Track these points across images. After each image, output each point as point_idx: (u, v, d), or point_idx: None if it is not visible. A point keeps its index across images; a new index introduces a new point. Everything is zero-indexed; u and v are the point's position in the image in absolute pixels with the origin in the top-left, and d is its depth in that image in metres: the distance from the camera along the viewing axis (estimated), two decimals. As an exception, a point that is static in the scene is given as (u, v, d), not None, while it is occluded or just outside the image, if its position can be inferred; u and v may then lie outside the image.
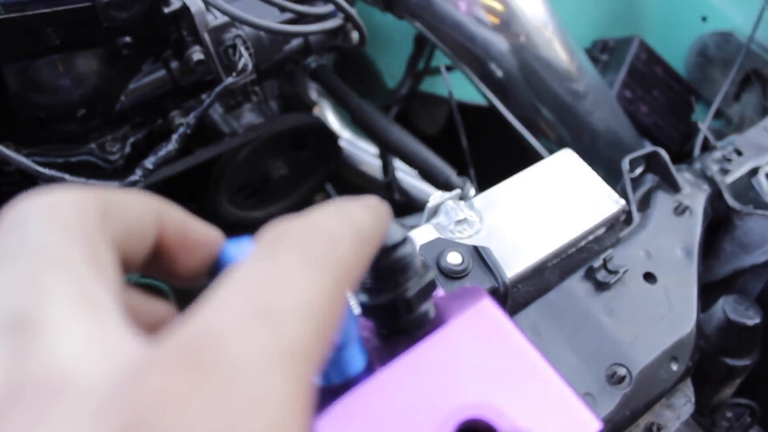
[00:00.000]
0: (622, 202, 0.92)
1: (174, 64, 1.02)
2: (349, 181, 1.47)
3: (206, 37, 0.97)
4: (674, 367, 0.86)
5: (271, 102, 1.20)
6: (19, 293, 0.24)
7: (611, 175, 1.00)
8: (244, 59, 0.94)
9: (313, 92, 1.36)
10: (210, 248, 0.35)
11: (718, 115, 1.44)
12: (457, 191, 0.86)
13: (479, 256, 0.80)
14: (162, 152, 0.93)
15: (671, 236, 0.96)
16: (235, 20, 0.91)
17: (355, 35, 1.15)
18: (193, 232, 0.35)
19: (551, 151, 1.33)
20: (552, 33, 1.22)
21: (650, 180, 1.05)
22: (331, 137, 1.25)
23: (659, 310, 0.88)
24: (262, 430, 0.22)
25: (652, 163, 1.02)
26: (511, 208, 0.88)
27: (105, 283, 0.26)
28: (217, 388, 0.22)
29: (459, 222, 0.85)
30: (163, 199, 0.34)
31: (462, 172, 1.18)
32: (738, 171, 1.06)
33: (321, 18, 1.02)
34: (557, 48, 1.23)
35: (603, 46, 1.47)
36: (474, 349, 0.40)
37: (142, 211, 0.32)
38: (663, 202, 1.00)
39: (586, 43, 1.51)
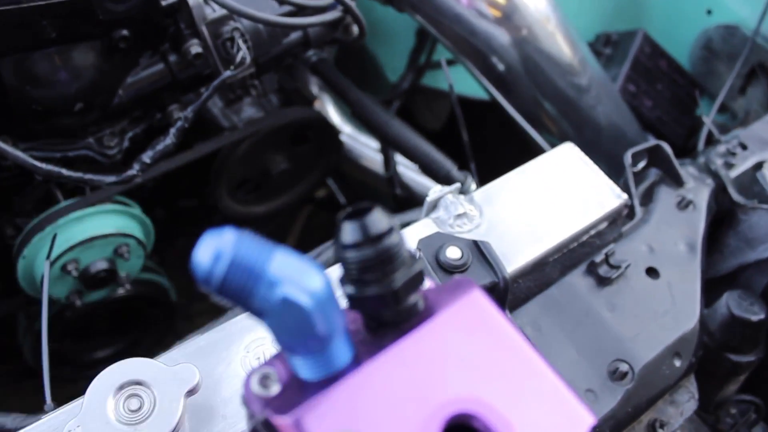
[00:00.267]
0: (625, 196, 0.91)
1: (172, 58, 1.01)
2: (350, 176, 1.46)
3: (204, 30, 0.96)
4: (677, 363, 0.84)
5: (271, 96, 1.19)
6: None
7: (614, 170, 0.99)
8: (242, 52, 0.93)
9: (314, 86, 1.35)
10: None
11: (723, 109, 1.42)
12: (457, 185, 0.85)
13: (479, 250, 0.79)
14: (160, 146, 0.92)
15: (674, 231, 0.95)
16: (233, 13, 0.90)
17: (355, 28, 1.14)
18: None
19: (553, 146, 1.32)
20: (554, 26, 1.20)
21: (653, 174, 1.04)
22: (332, 132, 1.24)
23: (662, 305, 0.87)
24: None
25: (655, 157, 1.00)
26: (512, 202, 0.87)
27: None
28: None
29: (459, 216, 0.84)
30: None
31: (463, 166, 1.17)
32: (743, 165, 1.05)
33: (320, 11, 1.01)
34: (560, 41, 1.21)
35: (606, 40, 1.46)
36: (463, 341, 0.39)
37: None
38: (666, 196, 0.99)
39: (589, 37, 1.50)
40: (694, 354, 0.86)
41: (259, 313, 0.35)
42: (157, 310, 1.33)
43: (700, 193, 1.00)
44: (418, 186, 1.36)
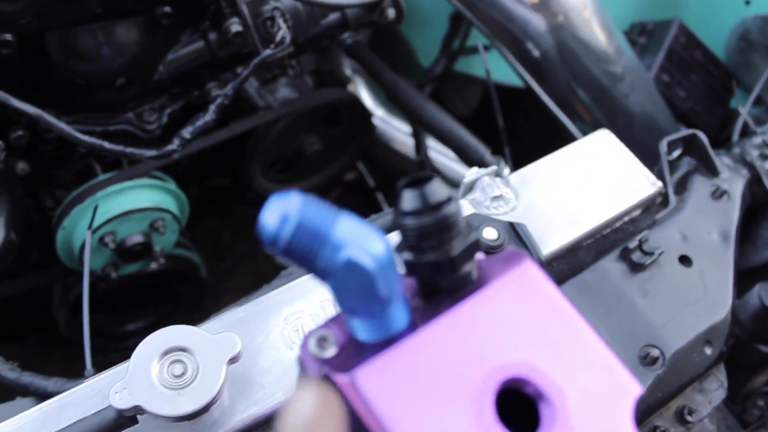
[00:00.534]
0: (659, 184, 0.91)
1: (212, 36, 1.02)
2: (380, 159, 1.47)
3: (244, 8, 0.97)
4: (708, 351, 0.85)
5: (306, 77, 1.20)
6: None
7: (646, 160, 0.99)
8: (282, 32, 0.94)
9: (348, 68, 1.36)
10: None
11: (758, 102, 1.41)
12: (494, 167, 0.86)
13: (515, 232, 0.80)
14: (199, 122, 0.93)
15: (708, 220, 0.95)
16: (274, -9, 0.91)
17: (391, 12, 1.15)
18: None
19: (585, 134, 1.32)
20: (591, 13, 1.20)
21: (687, 163, 1.03)
22: (365, 114, 1.25)
23: (694, 293, 0.87)
24: None
25: (690, 146, 1.00)
26: (548, 187, 0.88)
27: None
28: None
29: (495, 198, 0.84)
30: None
31: (495, 152, 1.17)
32: (778, 157, 1.04)
33: (360, -8, 1.02)
34: (596, 28, 1.21)
35: (641, 29, 1.45)
36: (516, 310, 0.40)
37: None
38: (700, 185, 0.99)
39: (624, 26, 1.49)
40: (725, 343, 0.86)
41: (323, 274, 0.37)
42: (187, 286, 1.35)
43: (735, 184, 1.00)
44: (449, 170, 1.37)
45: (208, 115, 0.94)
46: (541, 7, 1.15)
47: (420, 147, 1.33)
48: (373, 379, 0.36)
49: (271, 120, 1.11)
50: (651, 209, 0.92)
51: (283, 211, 0.35)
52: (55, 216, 1.07)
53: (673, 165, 1.02)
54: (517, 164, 1.15)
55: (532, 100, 1.35)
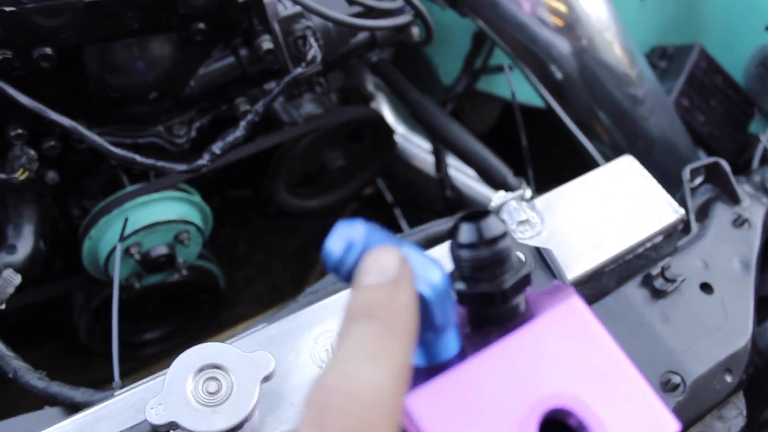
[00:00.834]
0: (682, 211, 0.92)
1: (243, 52, 1.04)
2: (400, 175, 1.48)
3: (276, 26, 0.99)
4: (728, 378, 0.86)
5: (331, 93, 1.21)
6: None
7: (664, 183, 1.00)
8: (314, 50, 0.96)
9: (370, 84, 1.38)
10: None
11: (777, 128, 1.42)
12: (520, 192, 0.87)
13: (541, 257, 0.81)
14: (230, 138, 0.95)
15: (729, 248, 0.96)
16: (310, 11, 0.93)
17: (415, 31, 1.16)
18: None
19: (604, 155, 1.33)
20: (613, 35, 1.21)
21: (707, 190, 1.04)
22: (388, 131, 1.26)
23: (715, 320, 0.88)
24: None
25: (712, 173, 1.01)
26: (572, 211, 0.89)
27: None
28: None
29: (521, 222, 0.85)
30: None
31: (515, 172, 1.18)
32: (799, 186, 1.05)
33: (388, 13, 1.03)
34: (618, 51, 1.22)
35: (662, 53, 1.46)
36: (563, 343, 0.41)
37: None
38: (722, 213, 1.00)
39: (645, 50, 1.50)
40: (744, 371, 0.87)
41: None
42: (206, 297, 1.36)
43: (756, 212, 1.01)
44: (468, 189, 1.38)
45: (239, 131, 0.95)
46: (566, 30, 1.16)
47: (440, 165, 1.34)
48: (425, 404, 0.38)
49: (297, 135, 1.13)
50: (673, 236, 0.93)
51: (348, 238, 0.37)
52: (82, 225, 1.08)
53: (694, 192, 1.03)
54: (536, 183, 1.17)
55: (548, 121, 1.36)
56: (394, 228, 1.44)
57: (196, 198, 1.12)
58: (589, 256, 0.87)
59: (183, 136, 1.06)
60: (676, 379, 0.83)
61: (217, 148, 0.95)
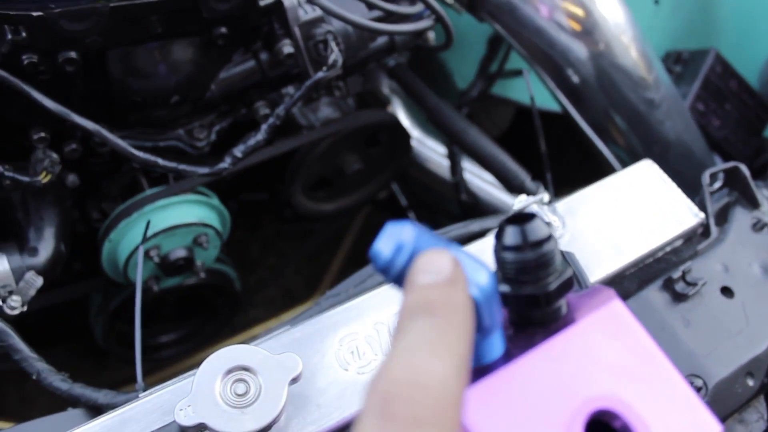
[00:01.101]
0: (702, 215, 0.92)
1: (263, 56, 1.04)
2: (415, 179, 1.49)
3: (297, 31, 0.99)
4: (750, 382, 0.86)
5: (349, 98, 1.22)
6: None
7: (680, 187, 1.00)
8: (335, 54, 0.96)
9: (386, 88, 1.38)
10: None
11: (792, 132, 1.42)
12: (541, 196, 0.87)
13: (564, 260, 0.81)
14: (251, 142, 0.95)
15: (749, 252, 0.96)
16: (332, 15, 0.93)
17: (431, 35, 1.17)
18: None
19: (620, 159, 1.33)
20: (630, 39, 1.22)
21: (725, 194, 1.05)
22: (405, 135, 1.26)
23: (736, 324, 0.88)
24: None
25: (731, 178, 1.01)
26: (593, 215, 0.89)
27: None
28: None
29: (543, 225, 0.86)
30: None
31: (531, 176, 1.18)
32: (819, 190, 1.05)
33: (408, 17, 1.04)
34: (635, 55, 1.23)
35: (677, 58, 1.46)
36: (606, 346, 0.41)
37: None
38: (741, 217, 1.00)
39: (659, 54, 1.50)
40: (766, 374, 0.87)
41: None
42: (221, 300, 1.36)
43: (775, 216, 1.01)
44: (483, 193, 1.38)
45: (260, 135, 0.95)
46: (584, 35, 1.17)
47: (455, 168, 1.34)
48: (473, 405, 0.38)
49: (316, 139, 1.13)
50: (693, 240, 0.94)
51: (398, 241, 0.37)
52: (101, 228, 1.08)
53: (712, 196, 1.03)
54: (547, 188, 1.17)
55: (560, 125, 1.37)
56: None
57: (215, 201, 1.12)
58: (610, 260, 0.87)
59: (203, 140, 1.06)
60: (698, 383, 0.83)
61: (238, 151, 0.95)
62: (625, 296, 0.88)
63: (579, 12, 1.16)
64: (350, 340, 0.74)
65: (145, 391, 0.74)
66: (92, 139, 0.99)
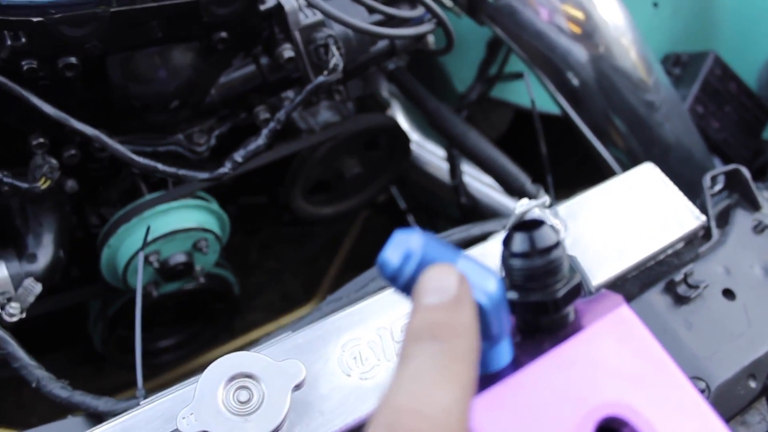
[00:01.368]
0: (703, 217, 0.92)
1: (263, 60, 1.04)
2: (414, 182, 1.48)
3: (297, 35, 0.99)
4: (752, 384, 0.85)
5: (348, 101, 1.21)
6: None
7: (680, 189, 1.00)
8: (336, 59, 0.96)
9: (385, 91, 1.38)
10: None
11: (791, 134, 1.42)
12: (544, 200, 0.87)
13: (571, 266, 0.81)
14: (251, 146, 0.95)
15: (750, 254, 0.96)
16: (333, 19, 0.93)
17: (431, 39, 1.17)
18: None
19: (619, 161, 1.33)
20: (630, 42, 1.22)
21: (725, 197, 1.05)
22: (404, 139, 1.26)
23: (738, 326, 0.88)
24: None
25: (732, 180, 1.01)
26: (595, 218, 0.89)
27: None
28: None
29: (545, 229, 0.85)
30: None
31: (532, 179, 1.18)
32: (820, 192, 1.05)
33: (408, 21, 1.04)
34: (634, 58, 1.23)
35: (676, 60, 1.46)
36: (614, 352, 0.41)
37: None
38: (742, 219, 1.00)
39: (658, 57, 1.50)
40: (768, 377, 0.87)
41: None
42: (220, 305, 1.36)
43: (776, 219, 1.01)
44: (483, 196, 1.38)
45: (261, 140, 0.95)
46: (584, 37, 1.17)
47: (455, 171, 1.34)
48: (482, 412, 0.38)
49: (315, 143, 1.13)
50: (694, 242, 0.94)
51: (406, 249, 0.37)
52: (100, 234, 1.08)
53: (713, 198, 1.03)
54: (547, 191, 1.17)
55: (559, 128, 1.37)
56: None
57: (214, 206, 1.12)
58: (612, 263, 0.87)
59: (203, 144, 1.06)
60: (701, 385, 0.83)
61: (239, 156, 0.95)
62: (627, 299, 0.88)
63: (579, 15, 1.16)
64: (353, 345, 0.74)
65: (145, 396, 0.73)
66: (91, 144, 0.98)
